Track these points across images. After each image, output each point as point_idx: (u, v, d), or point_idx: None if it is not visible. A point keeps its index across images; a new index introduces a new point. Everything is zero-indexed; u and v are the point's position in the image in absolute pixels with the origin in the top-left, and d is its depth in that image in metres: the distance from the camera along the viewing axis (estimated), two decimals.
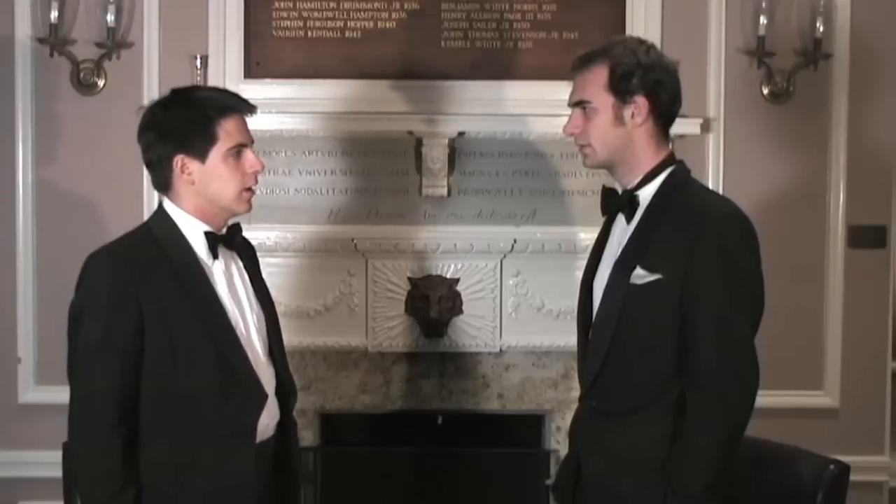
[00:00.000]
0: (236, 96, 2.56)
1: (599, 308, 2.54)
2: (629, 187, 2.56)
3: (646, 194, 2.54)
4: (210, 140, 2.46)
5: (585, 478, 2.58)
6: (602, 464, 2.54)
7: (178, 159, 2.47)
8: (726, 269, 2.42)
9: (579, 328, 2.68)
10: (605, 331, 2.52)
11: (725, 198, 2.65)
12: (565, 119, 2.61)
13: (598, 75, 2.52)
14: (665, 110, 2.55)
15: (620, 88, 2.50)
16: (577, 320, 2.69)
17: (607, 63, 2.51)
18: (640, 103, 2.51)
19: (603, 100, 2.52)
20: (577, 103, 2.56)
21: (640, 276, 2.46)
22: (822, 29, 3.98)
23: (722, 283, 2.41)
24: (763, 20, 3.96)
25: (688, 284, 2.42)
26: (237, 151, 2.49)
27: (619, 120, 2.52)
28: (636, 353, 2.49)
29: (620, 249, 2.53)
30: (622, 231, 2.56)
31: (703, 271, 2.41)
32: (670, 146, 2.61)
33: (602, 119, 2.52)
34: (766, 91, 4.07)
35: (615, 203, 2.59)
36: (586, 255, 2.73)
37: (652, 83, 2.51)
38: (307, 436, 4.01)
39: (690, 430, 2.43)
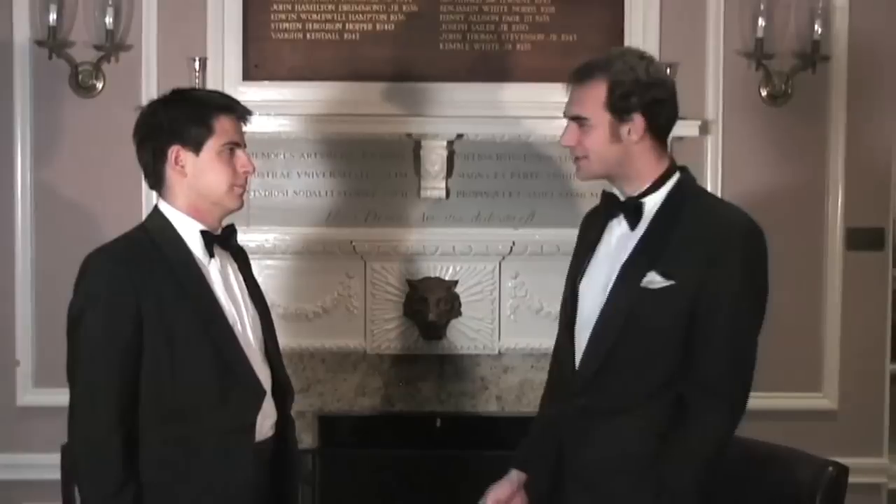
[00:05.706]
0: (234, 99, 2.60)
1: (603, 309, 2.53)
2: (634, 195, 2.55)
3: (653, 202, 2.53)
4: (206, 132, 2.49)
5: (570, 476, 2.57)
6: (592, 462, 2.53)
7: (173, 150, 2.49)
8: (746, 282, 2.45)
9: (562, 326, 2.69)
10: (609, 333, 2.51)
11: (740, 209, 2.61)
12: (564, 121, 2.59)
13: (597, 91, 2.50)
14: (662, 127, 2.54)
15: (619, 107, 2.48)
16: (560, 318, 2.70)
17: (606, 80, 2.49)
18: (638, 121, 2.49)
19: (600, 117, 2.50)
20: (574, 117, 2.55)
21: (654, 281, 2.46)
22: (820, 31, 3.98)
23: (741, 295, 2.44)
24: (761, 22, 3.96)
25: (704, 293, 2.43)
26: (231, 149, 2.53)
27: (615, 137, 2.50)
28: (640, 357, 2.49)
29: (627, 254, 2.51)
30: (623, 236, 2.55)
31: (724, 282, 2.43)
32: (670, 152, 2.60)
33: (599, 135, 2.51)
34: (764, 93, 4.07)
35: (617, 208, 2.58)
36: None
37: (650, 101, 2.49)
38: (306, 438, 4.01)
39: (693, 431, 2.45)
